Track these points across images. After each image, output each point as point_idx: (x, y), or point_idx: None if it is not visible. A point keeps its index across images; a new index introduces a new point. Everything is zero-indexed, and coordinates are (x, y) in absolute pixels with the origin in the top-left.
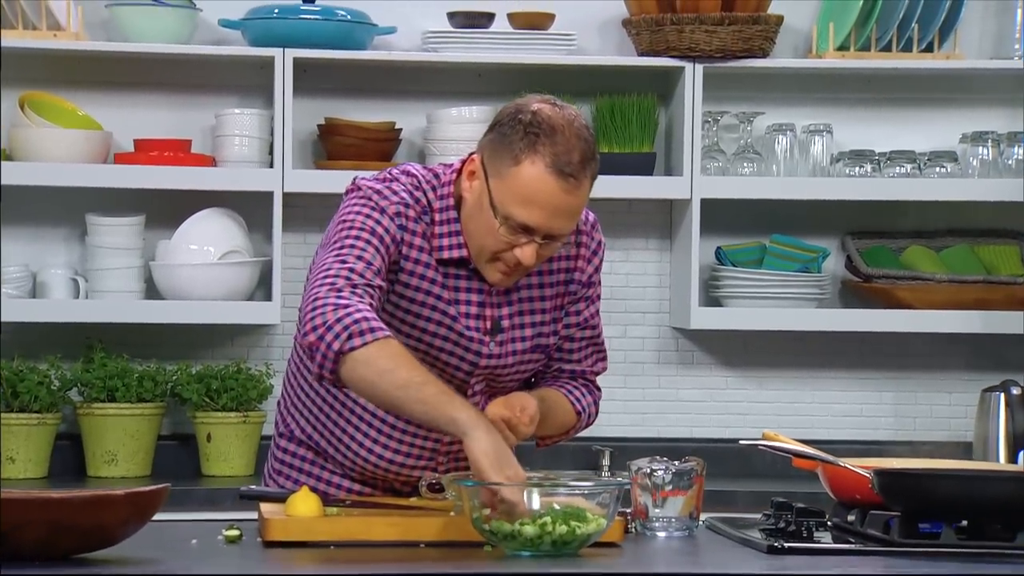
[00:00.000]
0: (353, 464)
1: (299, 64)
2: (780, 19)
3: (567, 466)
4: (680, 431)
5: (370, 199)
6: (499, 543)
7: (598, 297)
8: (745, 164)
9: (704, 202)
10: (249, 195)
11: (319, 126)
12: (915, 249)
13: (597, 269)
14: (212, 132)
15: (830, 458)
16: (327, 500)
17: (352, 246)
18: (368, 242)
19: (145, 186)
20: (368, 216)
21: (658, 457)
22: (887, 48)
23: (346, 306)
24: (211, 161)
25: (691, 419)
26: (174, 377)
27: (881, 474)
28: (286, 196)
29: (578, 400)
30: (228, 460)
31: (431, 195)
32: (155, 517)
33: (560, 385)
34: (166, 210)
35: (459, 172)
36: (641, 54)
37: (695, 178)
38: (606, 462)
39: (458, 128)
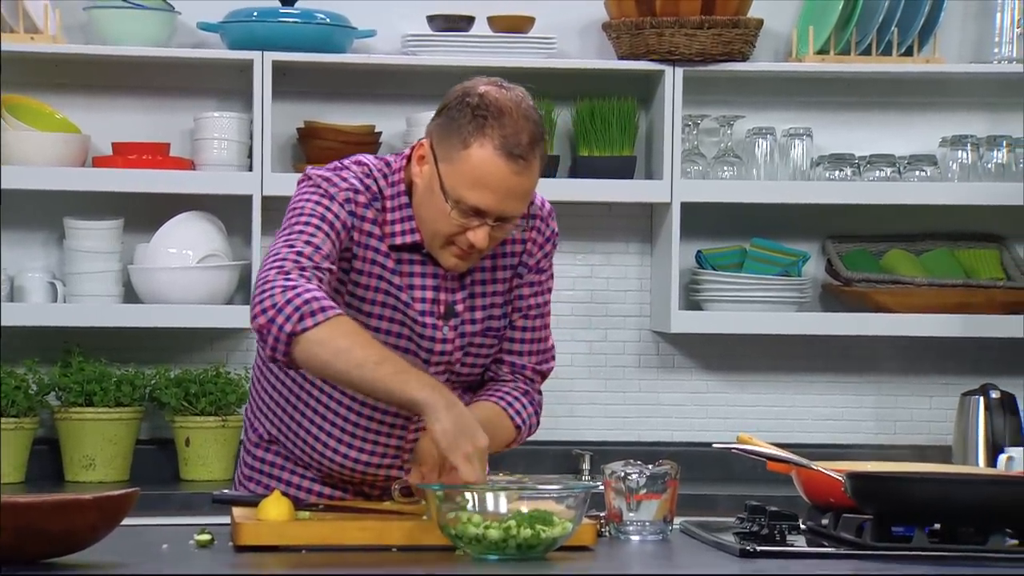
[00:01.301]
0: (320, 465)
1: (278, 67)
2: (760, 23)
3: (547, 470)
4: (660, 435)
5: (319, 187)
6: (465, 547)
7: (548, 291)
8: (725, 168)
9: (684, 206)
10: (228, 199)
11: (299, 129)
12: (895, 253)
13: (547, 256)
14: (191, 135)
15: (803, 461)
16: (299, 504)
17: (301, 232)
18: (318, 227)
19: (123, 189)
20: (317, 203)
21: (632, 461)
22: (867, 52)
23: (295, 287)
24: (190, 164)
25: (671, 423)
26: (152, 381)
27: (854, 477)
28: (265, 199)
29: (518, 413)
30: (207, 464)
31: (382, 182)
32: (130, 522)
33: (501, 396)
34: (144, 214)
35: (409, 158)
36: (621, 57)
37: (675, 182)
38: (586, 466)
39: None
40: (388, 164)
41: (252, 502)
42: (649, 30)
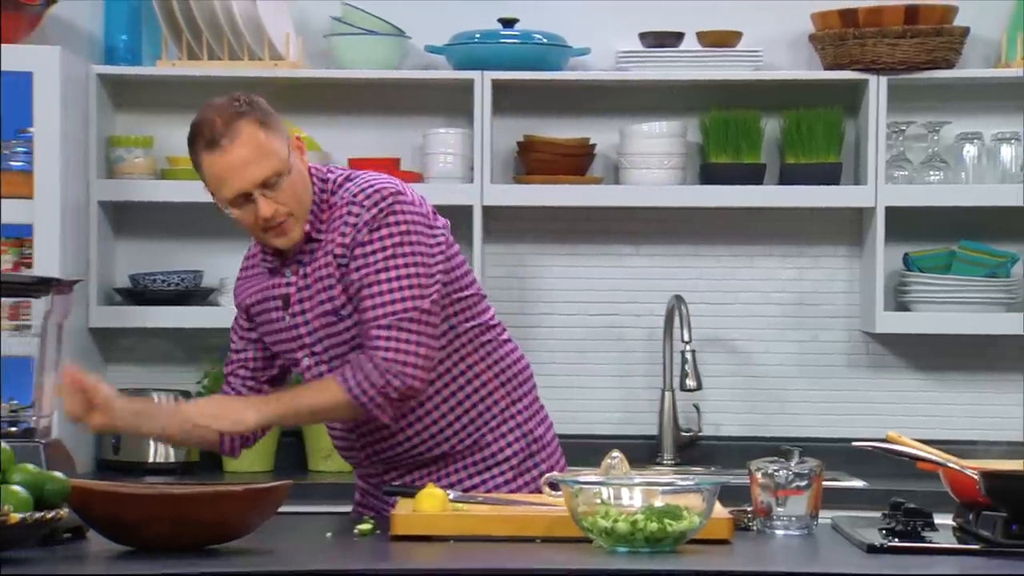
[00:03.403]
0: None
1: (498, 85)
2: (965, 31)
3: None
4: (869, 432)
5: None
6: (597, 539)
7: (383, 259)
8: (932, 172)
9: (891, 210)
10: (453, 208)
11: (518, 143)
12: None
13: (362, 231)
14: (420, 150)
15: (943, 460)
16: (457, 496)
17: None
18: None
19: None
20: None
21: (778, 457)
22: None
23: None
24: (419, 177)
25: (880, 420)
26: None
27: (986, 476)
28: (485, 209)
29: (343, 376)
30: None
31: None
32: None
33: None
34: None
35: None
36: (826, 68)
37: (879, 187)
38: (795, 461)
39: (649, 142)
40: None
41: (413, 494)
42: (852, 41)
